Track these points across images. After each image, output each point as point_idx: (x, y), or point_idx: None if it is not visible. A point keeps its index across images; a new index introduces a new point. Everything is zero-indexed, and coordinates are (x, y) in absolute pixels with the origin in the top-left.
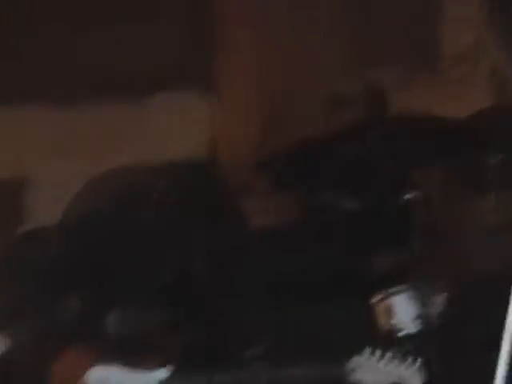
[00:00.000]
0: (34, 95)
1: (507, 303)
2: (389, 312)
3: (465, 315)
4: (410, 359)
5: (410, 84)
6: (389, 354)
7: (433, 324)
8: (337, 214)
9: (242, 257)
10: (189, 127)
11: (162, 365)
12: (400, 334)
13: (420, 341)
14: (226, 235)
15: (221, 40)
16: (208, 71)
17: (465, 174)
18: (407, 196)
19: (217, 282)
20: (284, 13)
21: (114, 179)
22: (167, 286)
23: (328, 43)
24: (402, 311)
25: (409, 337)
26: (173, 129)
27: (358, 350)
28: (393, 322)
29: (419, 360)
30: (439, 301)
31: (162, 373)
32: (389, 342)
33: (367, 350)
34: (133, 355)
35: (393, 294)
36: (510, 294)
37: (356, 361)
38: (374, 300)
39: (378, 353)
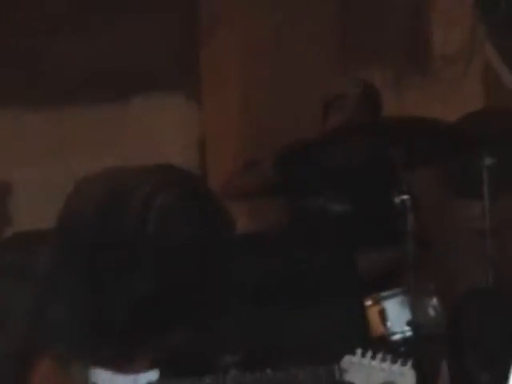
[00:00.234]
0: (18, 98)
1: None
2: (381, 316)
3: (457, 319)
4: (401, 359)
5: (400, 85)
6: (380, 355)
7: (425, 328)
8: (326, 218)
9: (229, 261)
10: (174, 129)
11: (150, 368)
12: (393, 338)
13: (413, 345)
14: (213, 238)
15: (207, 40)
16: (193, 73)
17: (455, 177)
18: (397, 199)
19: (202, 286)
20: (269, 13)
21: (100, 181)
22: (154, 289)
23: (316, 43)
24: (395, 315)
25: (402, 341)
26: (158, 130)
27: (349, 352)
28: (385, 325)
29: (411, 360)
30: (431, 305)
31: (150, 375)
32: (381, 345)
33: (358, 351)
34: (119, 358)
35: (385, 297)
36: (501, 296)
37: (347, 361)
38: (366, 304)
39: (370, 353)
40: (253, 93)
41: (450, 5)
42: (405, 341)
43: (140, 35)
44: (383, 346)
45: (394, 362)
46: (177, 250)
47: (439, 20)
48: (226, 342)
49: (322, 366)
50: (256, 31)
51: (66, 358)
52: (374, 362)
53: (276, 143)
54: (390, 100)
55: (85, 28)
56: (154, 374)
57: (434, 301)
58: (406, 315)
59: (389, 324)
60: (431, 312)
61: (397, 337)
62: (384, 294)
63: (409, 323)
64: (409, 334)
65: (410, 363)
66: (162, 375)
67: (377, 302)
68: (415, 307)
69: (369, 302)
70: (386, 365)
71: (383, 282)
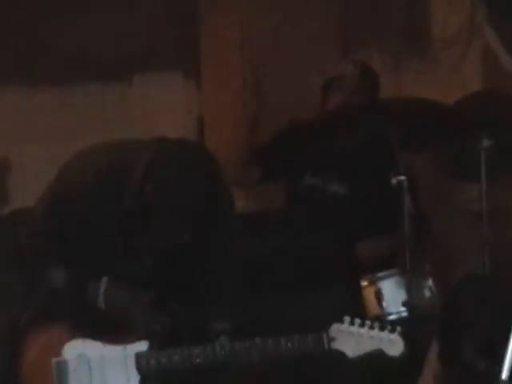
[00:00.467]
0: (17, 76)
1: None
2: (377, 296)
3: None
4: (390, 326)
5: (399, 67)
6: (368, 322)
7: (421, 309)
8: (324, 199)
9: (227, 234)
10: (174, 108)
11: (139, 339)
12: (388, 319)
13: (408, 325)
14: (212, 213)
15: (207, 20)
16: (193, 53)
17: (453, 159)
18: (394, 180)
19: (195, 259)
20: None
21: (98, 153)
22: (148, 263)
23: (317, 25)
24: (390, 295)
25: (397, 321)
26: (158, 110)
27: (338, 319)
28: (381, 306)
29: (399, 328)
30: (427, 286)
31: (139, 346)
32: None
33: (347, 318)
34: (110, 330)
35: (381, 278)
36: (497, 278)
37: (335, 328)
38: (362, 284)
39: (358, 321)
40: (252, 73)
41: None
42: (401, 321)
43: (141, 15)
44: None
45: (382, 329)
46: (176, 221)
47: (438, 2)
48: (215, 311)
49: (310, 334)
50: (256, 11)
51: (58, 329)
52: (362, 330)
53: (274, 123)
54: (389, 82)
55: (86, 8)
56: (143, 345)
57: (430, 282)
58: (402, 296)
59: (384, 304)
60: (427, 293)
61: (392, 317)
62: (380, 274)
63: (404, 304)
64: (404, 314)
65: (398, 330)
66: (151, 345)
67: (373, 282)
68: (411, 288)
69: (365, 283)
70: (375, 332)
71: (380, 264)
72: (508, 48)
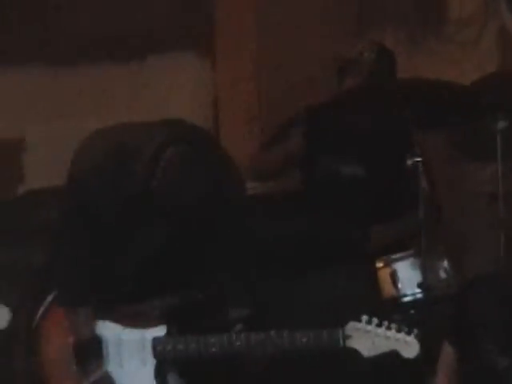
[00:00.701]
0: (31, 57)
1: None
2: (392, 278)
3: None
4: (407, 328)
5: (414, 48)
6: (386, 323)
7: (436, 290)
8: (340, 181)
9: (239, 217)
10: (188, 89)
11: (157, 324)
12: (403, 300)
13: (423, 307)
14: (223, 193)
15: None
16: (208, 34)
17: (469, 141)
18: (410, 161)
19: (211, 244)
20: None
21: (110, 135)
22: (164, 244)
23: (331, 5)
24: (406, 277)
25: (412, 303)
26: (172, 90)
27: (356, 317)
28: (396, 287)
29: (416, 329)
30: (443, 267)
31: (157, 331)
32: (391, 308)
33: (364, 317)
34: (129, 313)
35: (396, 259)
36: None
37: (352, 327)
38: (377, 265)
39: (375, 321)
40: (266, 54)
41: None
42: (415, 303)
43: None
44: (393, 308)
45: (399, 330)
46: (186, 204)
47: None
48: (233, 298)
49: (326, 330)
50: None
51: (76, 308)
52: (379, 330)
53: (289, 104)
54: (404, 63)
55: None
56: (161, 330)
57: (445, 263)
58: (417, 277)
59: (400, 286)
60: (442, 274)
61: (408, 298)
62: (395, 256)
63: (420, 285)
64: (420, 296)
65: (414, 333)
66: (169, 331)
67: (388, 263)
68: (426, 269)
69: (380, 264)
70: (392, 333)
71: (395, 245)
72: None
